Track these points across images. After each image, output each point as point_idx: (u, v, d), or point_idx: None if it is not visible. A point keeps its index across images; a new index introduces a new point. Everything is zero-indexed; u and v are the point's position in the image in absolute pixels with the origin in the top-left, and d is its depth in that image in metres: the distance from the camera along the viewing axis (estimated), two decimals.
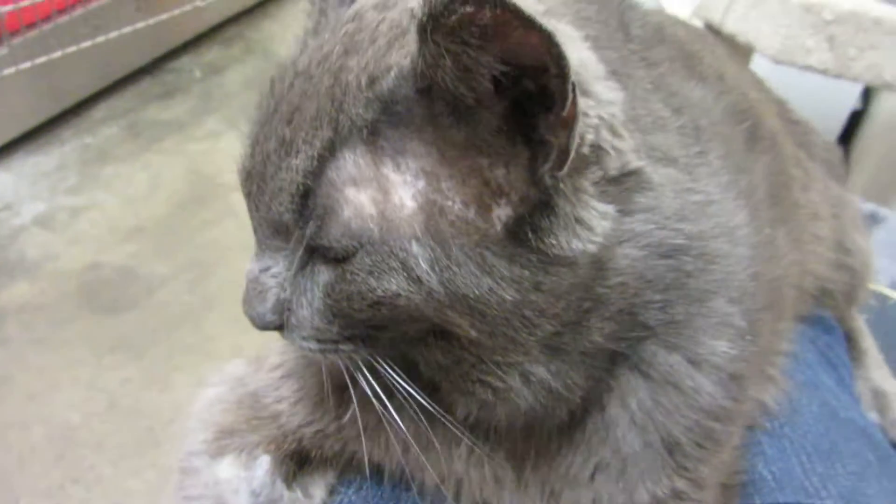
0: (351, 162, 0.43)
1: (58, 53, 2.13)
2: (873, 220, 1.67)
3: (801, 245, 0.74)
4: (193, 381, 1.76)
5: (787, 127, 0.85)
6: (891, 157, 2.04)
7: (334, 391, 0.59)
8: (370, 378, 0.50)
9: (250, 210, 0.48)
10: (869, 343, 1.00)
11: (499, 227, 0.43)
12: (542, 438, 0.55)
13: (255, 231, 0.49)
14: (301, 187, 0.43)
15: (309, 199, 0.43)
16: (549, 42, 0.36)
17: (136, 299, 1.94)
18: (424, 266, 0.43)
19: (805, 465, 0.61)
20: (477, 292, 0.43)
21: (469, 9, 0.35)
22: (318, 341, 0.49)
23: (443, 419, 0.51)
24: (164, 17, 2.45)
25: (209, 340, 1.87)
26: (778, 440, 0.64)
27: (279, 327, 0.49)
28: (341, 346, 0.49)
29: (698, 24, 1.89)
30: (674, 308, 0.51)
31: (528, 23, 0.35)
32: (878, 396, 0.97)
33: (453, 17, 0.36)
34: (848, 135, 2.40)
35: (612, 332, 0.49)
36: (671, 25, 0.70)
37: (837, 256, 0.83)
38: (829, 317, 0.88)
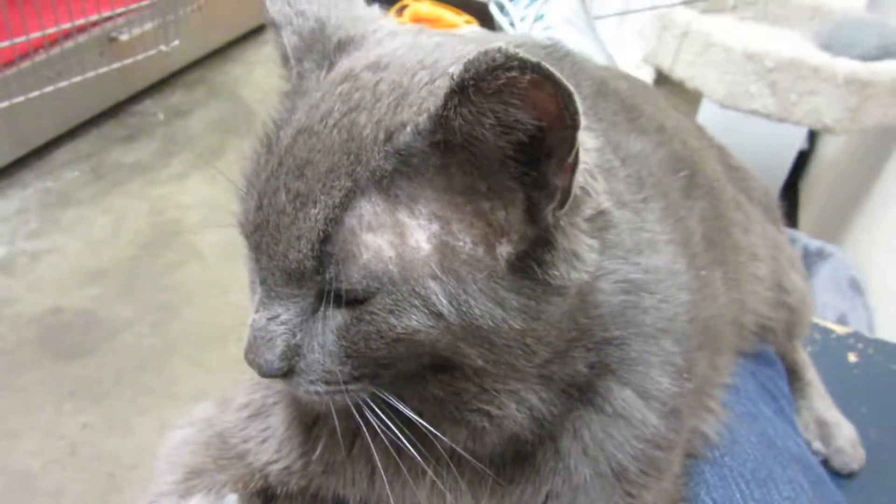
0: (369, 209, 0.46)
1: (20, 98, 2.14)
2: (820, 256, 1.74)
3: (741, 285, 0.79)
4: (156, 425, 1.75)
5: (728, 173, 0.91)
6: (836, 195, 2.13)
7: (301, 430, 0.62)
8: (378, 413, 0.52)
9: (259, 261, 0.50)
10: (812, 375, 1.05)
11: (503, 262, 0.47)
12: (498, 469, 0.58)
13: (264, 281, 0.50)
14: (321, 234, 0.46)
15: (328, 246, 0.47)
16: (570, 99, 0.41)
17: (97, 343, 1.92)
18: (444, 301, 0.46)
19: (744, 491, 0.65)
20: (491, 323, 0.47)
21: (513, 73, 0.39)
22: (327, 384, 0.50)
23: (412, 451, 0.54)
24: (128, 61, 2.47)
25: (172, 383, 1.86)
26: (719, 468, 0.68)
27: (284, 374, 0.51)
28: (349, 387, 0.51)
29: (649, 69, 1.97)
30: (630, 346, 0.56)
31: (558, 84, 0.40)
32: (822, 426, 1.01)
33: (499, 81, 0.40)
34: (796, 174, 2.50)
35: (591, 363, 0.55)
36: (614, 80, 0.76)
37: (776, 295, 0.87)
38: (770, 351, 0.92)
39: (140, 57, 2.50)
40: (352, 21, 0.56)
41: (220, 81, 2.99)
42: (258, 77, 3.05)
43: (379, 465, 0.58)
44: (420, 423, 0.51)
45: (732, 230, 0.79)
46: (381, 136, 0.47)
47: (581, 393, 0.56)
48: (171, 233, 2.29)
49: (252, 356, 0.50)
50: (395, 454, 0.57)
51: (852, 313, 1.59)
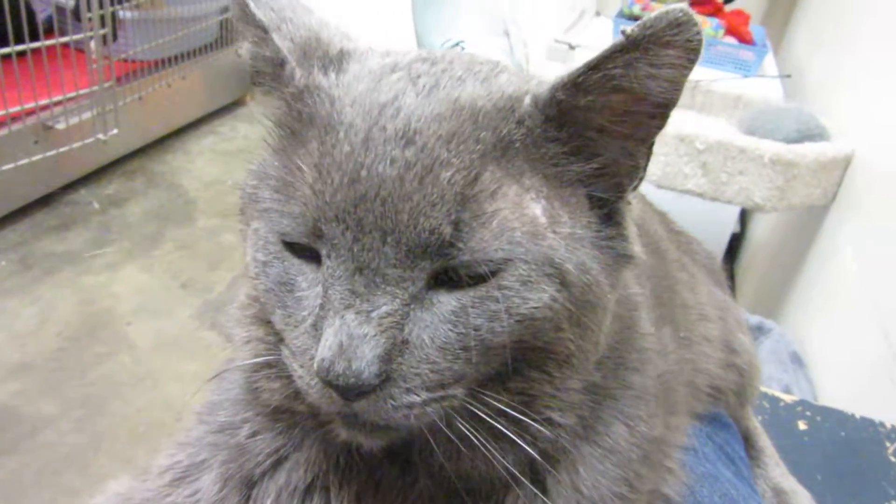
0: (488, 178, 0.45)
1: None
2: (760, 331, 1.77)
3: (692, 345, 0.78)
4: None
5: (671, 236, 0.92)
6: (770, 273, 2.20)
7: (240, 488, 0.56)
8: (467, 420, 0.47)
9: (359, 241, 0.44)
10: (765, 442, 1.04)
11: (593, 233, 0.49)
12: None
13: (366, 266, 0.44)
14: (459, 197, 0.44)
15: (463, 212, 0.44)
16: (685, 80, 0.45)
17: (16, 442, 1.79)
18: (573, 268, 0.46)
19: None
20: (600, 293, 0.48)
21: (691, 34, 0.43)
22: (428, 389, 0.45)
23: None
24: (63, 149, 2.42)
25: (97, 483, 1.70)
26: None
27: (372, 388, 0.44)
28: (450, 391, 0.46)
29: None
30: (625, 373, 0.57)
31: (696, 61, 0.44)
32: (780, 494, 0.99)
33: (678, 36, 0.43)
34: (730, 256, 2.58)
35: (595, 385, 0.54)
36: None
37: (726, 356, 0.87)
38: (724, 414, 0.91)
39: (77, 145, 2.46)
40: (341, 37, 0.55)
41: (160, 171, 2.95)
42: (199, 167, 3.03)
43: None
44: (504, 430, 0.47)
45: (679, 288, 0.79)
46: (501, 104, 0.47)
47: (581, 419, 0.53)
48: (101, 323, 2.19)
49: (342, 365, 0.42)
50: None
51: (795, 385, 1.61)
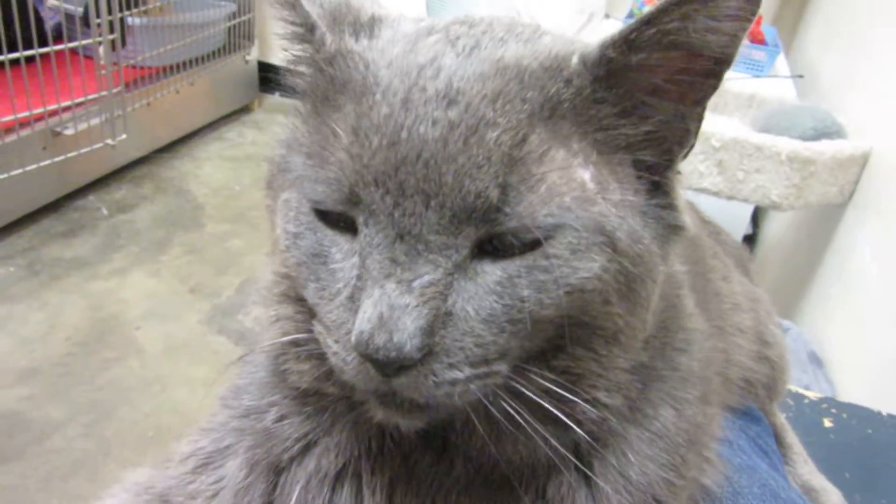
0: (536, 140, 0.43)
1: None
2: None
3: (725, 335, 0.76)
4: None
5: (701, 224, 0.89)
6: (785, 274, 2.17)
7: (267, 475, 0.54)
8: (511, 400, 0.45)
9: (399, 206, 0.42)
10: (793, 439, 1.02)
11: (646, 204, 0.47)
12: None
13: (407, 232, 0.42)
14: (507, 158, 0.41)
15: (511, 176, 0.42)
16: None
17: (23, 447, 1.76)
18: (624, 236, 0.44)
19: None
20: (651, 264, 0.46)
21: None
22: (472, 365, 0.42)
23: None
24: (72, 154, 2.42)
25: (105, 489, 1.70)
26: None
27: (414, 363, 0.41)
28: (494, 367, 0.43)
29: None
30: (668, 351, 0.54)
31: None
32: (809, 492, 0.96)
33: None
34: None
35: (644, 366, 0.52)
36: None
37: (758, 348, 0.85)
38: (755, 408, 0.88)
39: (85, 151, 2.45)
40: (371, 2, 0.53)
41: (168, 177, 2.95)
42: (207, 173, 3.02)
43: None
44: (550, 410, 0.45)
45: (712, 276, 0.77)
46: (548, 63, 0.45)
47: (628, 401, 0.51)
48: (110, 328, 2.17)
49: (383, 338, 0.40)
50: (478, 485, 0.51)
51: (815, 385, 1.58)
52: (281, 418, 0.55)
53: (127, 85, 2.61)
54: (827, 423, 1.16)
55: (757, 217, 2.47)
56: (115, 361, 2.06)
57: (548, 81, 0.44)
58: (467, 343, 0.42)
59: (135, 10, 2.64)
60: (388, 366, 0.41)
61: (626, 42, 0.43)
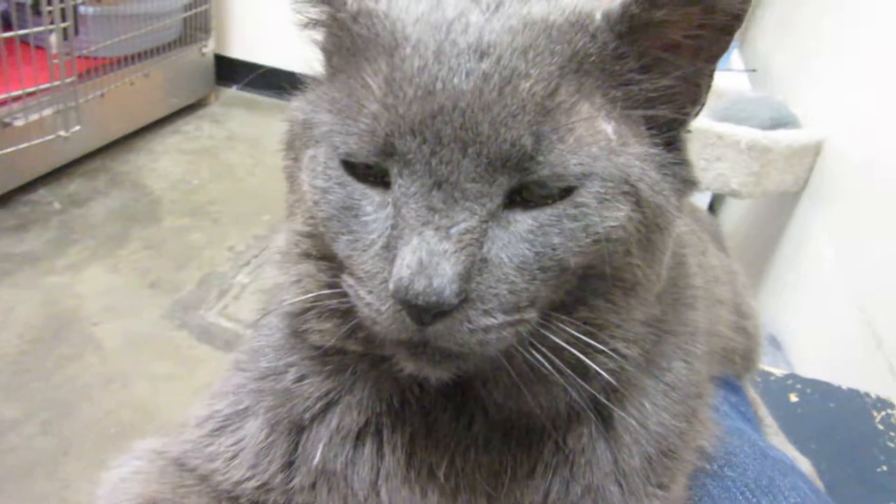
0: (566, 92, 0.44)
1: None
2: None
3: (708, 306, 0.78)
4: None
5: None
6: (741, 260, 2.23)
7: (287, 435, 0.54)
8: (538, 346, 0.46)
9: (437, 154, 0.42)
10: (764, 412, 1.05)
11: (662, 159, 0.48)
12: (522, 464, 0.52)
13: (445, 180, 0.42)
14: (541, 107, 0.43)
15: (544, 125, 0.43)
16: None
17: None
18: (647, 187, 0.46)
19: (750, 500, 0.62)
20: (669, 216, 0.48)
21: None
22: (505, 312, 0.43)
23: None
24: (22, 146, 2.34)
25: (65, 488, 1.66)
26: (720, 480, 0.64)
27: (451, 308, 0.42)
28: (525, 315, 0.44)
29: None
30: (679, 306, 0.57)
31: None
32: None
33: None
34: None
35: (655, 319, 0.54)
36: None
37: (736, 319, 0.87)
38: (733, 377, 0.91)
39: (36, 142, 2.37)
40: None
41: (123, 170, 2.87)
42: (164, 166, 2.96)
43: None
44: (576, 355, 0.46)
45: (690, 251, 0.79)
46: (574, 19, 0.46)
47: (644, 352, 0.52)
48: (66, 324, 2.11)
49: (423, 283, 0.40)
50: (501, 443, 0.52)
51: (776, 367, 1.63)
52: (301, 378, 0.55)
53: (80, 75, 2.54)
54: (793, 397, 1.20)
55: (714, 206, 2.54)
56: (73, 358, 2.00)
57: (574, 36, 0.45)
58: (501, 290, 0.43)
59: None
60: (427, 311, 0.41)
61: None
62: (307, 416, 0.54)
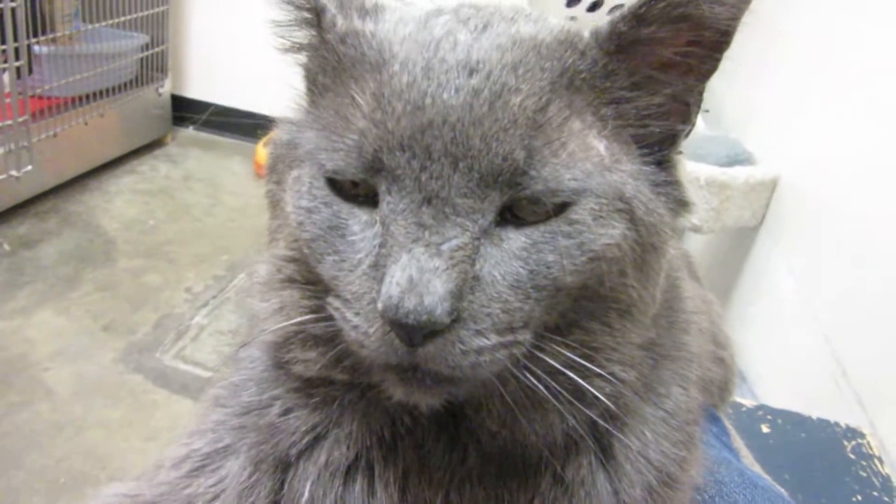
0: (557, 108, 0.44)
1: None
2: None
3: (698, 332, 0.78)
4: None
5: None
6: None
7: (273, 471, 0.51)
8: (532, 371, 0.44)
9: (426, 170, 0.42)
10: (739, 443, 1.05)
11: (654, 178, 0.48)
12: (519, 499, 0.50)
13: (435, 195, 0.42)
14: (532, 121, 0.42)
15: (535, 139, 0.42)
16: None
17: None
18: (641, 207, 0.45)
19: None
20: (664, 236, 0.48)
21: None
22: (498, 332, 0.41)
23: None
24: None
25: None
26: None
27: (443, 327, 0.40)
28: (518, 336, 0.42)
29: None
30: (674, 331, 0.56)
31: None
32: None
33: None
34: None
35: (652, 343, 0.53)
36: None
37: (713, 349, 0.87)
38: (712, 407, 0.91)
39: None
40: None
41: (75, 211, 2.80)
42: (118, 207, 2.89)
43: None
44: (572, 380, 0.45)
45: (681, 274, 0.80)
46: (562, 37, 0.46)
47: (642, 376, 0.51)
48: (14, 370, 2.02)
49: (413, 301, 0.39)
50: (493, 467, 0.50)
51: (742, 400, 1.65)
52: (286, 412, 0.53)
53: (33, 115, 2.48)
54: (765, 428, 1.21)
55: None
56: (22, 405, 1.91)
57: (564, 53, 0.46)
58: (494, 309, 0.42)
59: (42, 38, 2.52)
60: (417, 331, 0.40)
61: (636, 16, 0.45)
62: (293, 451, 0.52)
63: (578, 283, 0.44)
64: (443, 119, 0.42)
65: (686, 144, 1.76)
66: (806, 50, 1.92)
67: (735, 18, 0.46)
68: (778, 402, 1.58)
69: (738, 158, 1.89)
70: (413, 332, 0.40)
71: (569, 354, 0.45)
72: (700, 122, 2.34)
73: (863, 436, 1.21)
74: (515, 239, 0.43)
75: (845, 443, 1.20)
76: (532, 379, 0.44)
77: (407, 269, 0.40)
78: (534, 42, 0.46)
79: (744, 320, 1.90)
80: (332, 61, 0.48)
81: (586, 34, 0.47)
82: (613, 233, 0.44)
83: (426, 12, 0.49)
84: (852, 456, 1.17)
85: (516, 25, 0.47)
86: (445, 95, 0.42)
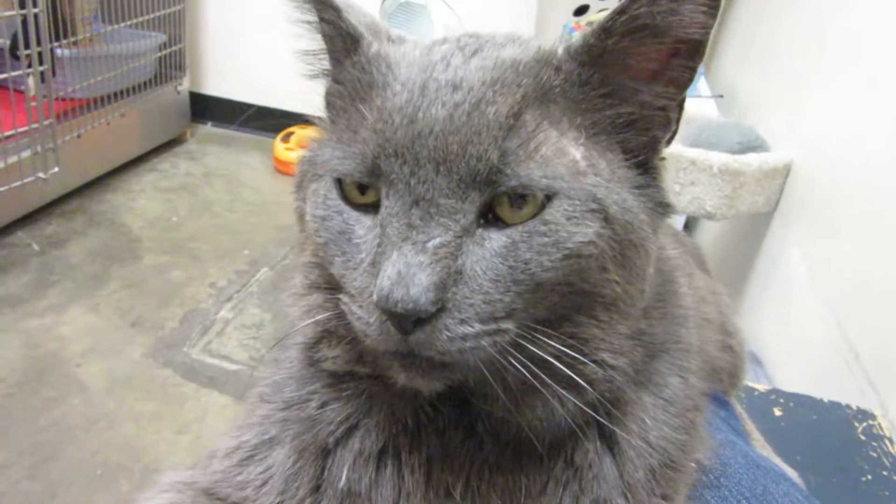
0: (531, 118, 0.48)
1: None
2: None
3: (698, 326, 0.82)
4: None
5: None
6: (717, 280, 2.29)
7: (314, 459, 0.56)
8: (522, 359, 0.48)
9: (415, 174, 0.47)
10: (751, 426, 1.08)
11: (634, 182, 0.52)
12: (535, 482, 0.55)
13: (422, 197, 0.47)
14: (504, 125, 0.47)
15: (509, 141, 0.47)
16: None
17: None
18: (615, 207, 0.49)
19: None
20: (641, 232, 0.51)
21: None
22: (482, 322, 0.46)
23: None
24: (2, 189, 2.33)
25: (141, 492, 1.63)
26: (717, 490, 0.67)
27: (429, 315, 0.45)
28: (502, 325, 0.47)
29: None
30: (668, 321, 0.59)
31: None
32: None
33: None
34: None
35: (645, 334, 0.56)
36: None
37: (722, 338, 0.91)
38: (721, 393, 0.95)
39: (16, 185, 2.37)
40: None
41: (100, 210, 2.87)
42: (141, 205, 2.96)
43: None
44: (563, 368, 0.49)
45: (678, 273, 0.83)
46: (539, 56, 0.51)
47: (633, 364, 0.55)
48: (49, 367, 2.09)
49: (401, 292, 0.44)
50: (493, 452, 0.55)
51: (756, 384, 1.67)
52: (323, 405, 0.58)
53: (57, 117, 2.55)
54: (777, 412, 1.24)
55: (689, 228, 2.60)
56: (57, 400, 1.99)
57: (540, 70, 0.50)
58: (476, 300, 0.46)
59: (64, 42, 2.58)
60: (406, 319, 0.45)
61: (604, 29, 0.50)
62: (331, 440, 0.57)
63: (557, 279, 0.48)
64: (429, 129, 0.47)
65: (698, 132, 1.77)
66: (819, 35, 1.93)
67: (703, 28, 0.49)
68: (791, 385, 1.61)
69: (752, 145, 1.90)
70: (403, 319, 0.45)
71: (557, 345, 0.49)
72: (714, 108, 2.35)
73: (873, 417, 1.23)
74: (497, 239, 0.48)
75: (856, 424, 1.22)
76: (523, 370, 0.49)
77: (396, 264, 0.45)
78: (513, 62, 0.50)
79: (759, 305, 1.92)
80: (352, 86, 0.53)
81: (561, 49, 0.51)
82: (587, 231, 0.48)
83: (434, 41, 0.55)
84: (863, 437, 1.20)
85: (503, 50, 0.52)
86: (433, 110, 0.48)
